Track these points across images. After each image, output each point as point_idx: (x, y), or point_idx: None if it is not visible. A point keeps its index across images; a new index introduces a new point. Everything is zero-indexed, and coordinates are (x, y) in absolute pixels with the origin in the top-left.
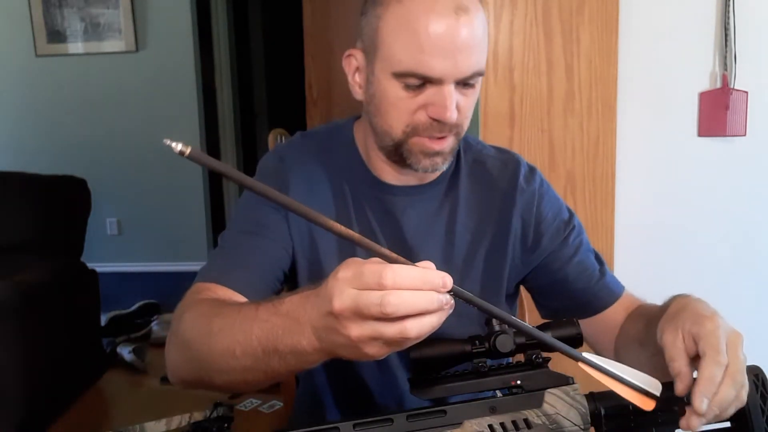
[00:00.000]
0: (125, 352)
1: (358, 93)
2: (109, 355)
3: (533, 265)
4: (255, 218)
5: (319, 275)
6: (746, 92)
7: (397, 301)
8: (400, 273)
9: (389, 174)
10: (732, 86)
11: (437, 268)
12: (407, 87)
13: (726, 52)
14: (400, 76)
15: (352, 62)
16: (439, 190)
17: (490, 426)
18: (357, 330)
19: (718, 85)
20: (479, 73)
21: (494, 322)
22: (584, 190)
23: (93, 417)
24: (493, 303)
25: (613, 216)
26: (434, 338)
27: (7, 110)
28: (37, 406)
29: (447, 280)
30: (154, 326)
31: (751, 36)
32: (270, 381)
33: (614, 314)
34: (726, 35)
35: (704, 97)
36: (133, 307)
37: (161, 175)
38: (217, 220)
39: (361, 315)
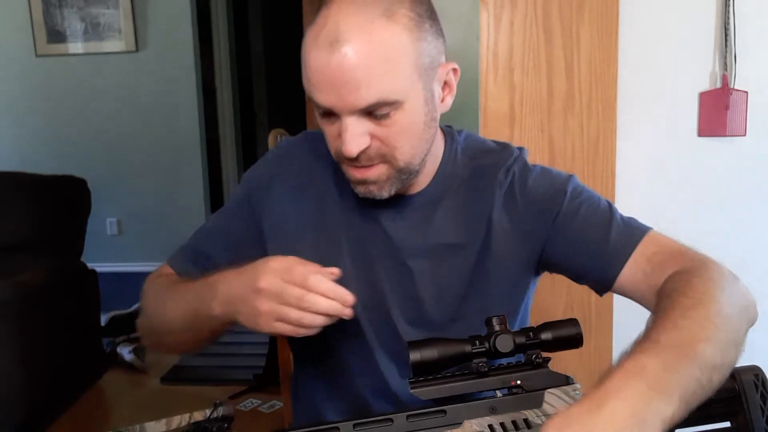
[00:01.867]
0: (125, 352)
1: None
2: (109, 355)
3: (542, 247)
4: (224, 215)
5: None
6: (746, 92)
7: (314, 301)
8: (322, 282)
9: None
10: (732, 86)
11: (423, 279)
12: (321, 115)
13: (726, 52)
14: (313, 104)
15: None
16: (427, 200)
17: (490, 426)
18: (267, 306)
19: (718, 85)
20: (384, 103)
21: (494, 321)
22: None
23: (93, 417)
24: (482, 302)
25: None
26: (434, 338)
27: (7, 110)
28: (37, 406)
29: (350, 298)
30: None
31: (751, 36)
32: (203, 342)
33: (623, 281)
34: (726, 35)
35: (704, 97)
36: (133, 307)
37: (161, 175)
38: None
39: (279, 299)
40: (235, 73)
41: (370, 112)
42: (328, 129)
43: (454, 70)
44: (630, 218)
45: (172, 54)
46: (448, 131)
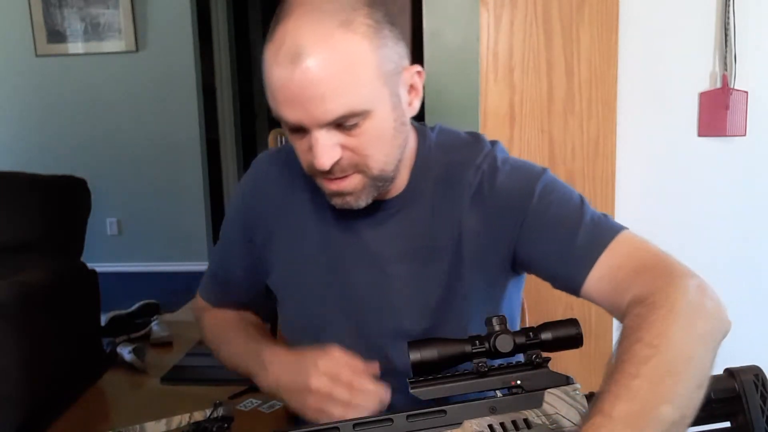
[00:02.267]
0: (125, 352)
1: None
2: (109, 355)
3: (514, 248)
4: (227, 240)
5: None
6: (746, 92)
7: (358, 402)
8: (366, 385)
9: None
10: (732, 86)
11: (402, 286)
12: (290, 131)
13: (726, 52)
14: (281, 121)
15: None
16: (403, 204)
17: (490, 426)
18: (315, 404)
19: (718, 85)
20: (352, 114)
21: (494, 321)
22: (584, 190)
23: (93, 417)
24: (460, 307)
25: (613, 216)
26: (434, 338)
27: (7, 110)
28: (37, 406)
29: (387, 397)
30: (154, 326)
31: (751, 36)
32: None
33: (590, 289)
34: (726, 35)
35: (704, 97)
36: (133, 307)
37: (161, 175)
38: (217, 220)
39: (327, 398)
40: (235, 73)
41: (339, 124)
42: (299, 144)
43: (419, 72)
44: (601, 217)
45: (172, 54)
46: (421, 129)
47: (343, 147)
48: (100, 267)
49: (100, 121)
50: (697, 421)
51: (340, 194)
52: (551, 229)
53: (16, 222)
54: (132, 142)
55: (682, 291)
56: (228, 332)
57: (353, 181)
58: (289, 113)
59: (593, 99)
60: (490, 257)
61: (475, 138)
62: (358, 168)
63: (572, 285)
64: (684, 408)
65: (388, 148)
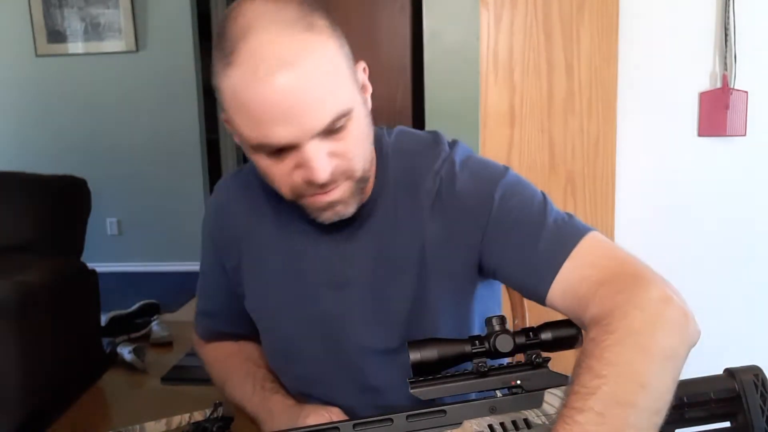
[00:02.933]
0: (125, 352)
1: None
2: (109, 355)
3: (478, 256)
4: (202, 267)
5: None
6: (746, 92)
7: None
8: None
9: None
10: (732, 86)
11: (370, 302)
12: (270, 155)
13: (726, 52)
14: (256, 149)
15: (229, 128)
16: (365, 216)
17: (490, 426)
18: None
19: (718, 85)
20: (341, 115)
21: (494, 321)
22: (584, 190)
23: (93, 417)
24: (430, 319)
25: (613, 216)
26: (434, 338)
27: (7, 110)
28: (37, 406)
29: None
30: (154, 326)
31: (751, 36)
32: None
33: (554, 302)
34: (726, 35)
35: (704, 97)
36: (133, 307)
37: (161, 175)
38: None
39: None
40: None
41: (329, 131)
42: (279, 168)
43: (365, 69)
44: (565, 219)
45: (172, 54)
46: (377, 133)
47: (333, 155)
48: (100, 267)
49: (101, 121)
50: (697, 421)
51: (331, 206)
52: (513, 236)
53: (16, 222)
54: (132, 142)
55: (641, 307)
56: (228, 372)
57: (342, 189)
58: (280, 131)
59: (593, 99)
60: (455, 265)
61: (434, 139)
62: (346, 174)
63: (536, 296)
64: (652, 414)
65: (367, 145)
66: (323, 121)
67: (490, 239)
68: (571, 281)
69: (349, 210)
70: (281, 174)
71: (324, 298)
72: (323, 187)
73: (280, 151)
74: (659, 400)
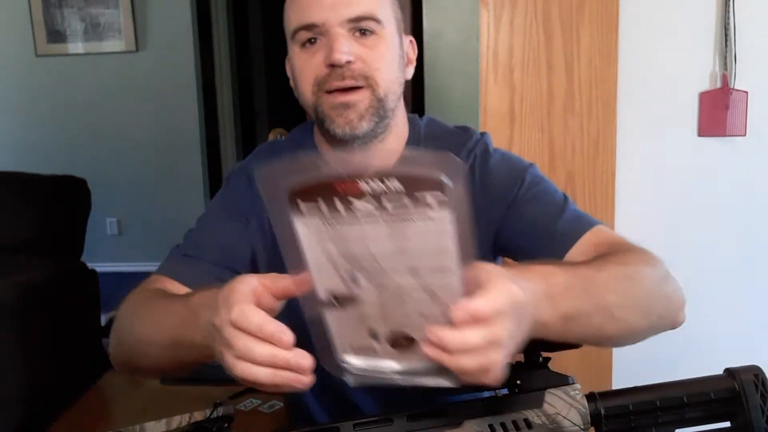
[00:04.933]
0: None
1: (292, 86)
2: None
3: (495, 231)
4: (214, 220)
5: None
6: (746, 92)
7: (244, 346)
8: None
9: None
10: (732, 86)
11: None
12: (302, 46)
13: (726, 52)
14: (293, 36)
15: (287, 64)
16: None
17: (490, 426)
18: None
19: (718, 85)
20: (371, 17)
21: None
22: (584, 190)
23: (93, 417)
24: None
25: (613, 216)
26: None
27: (7, 110)
28: (37, 406)
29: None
30: None
31: (751, 36)
32: (184, 369)
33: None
34: (726, 35)
35: (704, 97)
36: None
37: (161, 175)
38: None
39: (224, 342)
40: (235, 73)
41: (357, 29)
42: (311, 60)
43: (411, 42)
44: (584, 213)
45: (172, 54)
46: (411, 118)
47: (356, 54)
48: (100, 267)
49: (100, 121)
50: (697, 421)
51: (345, 107)
52: (535, 213)
53: (16, 222)
54: (132, 142)
55: (651, 264)
56: (156, 302)
57: (360, 95)
58: (312, 12)
59: (593, 99)
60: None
61: (465, 129)
62: (368, 81)
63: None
64: (625, 312)
65: (393, 71)
66: (352, 10)
67: (511, 213)
68: (588, 249)
69: (362, 124)
70: (310, 67)
71: None
72: (343, 77)
73: (313, 42)
74: (652, 311)
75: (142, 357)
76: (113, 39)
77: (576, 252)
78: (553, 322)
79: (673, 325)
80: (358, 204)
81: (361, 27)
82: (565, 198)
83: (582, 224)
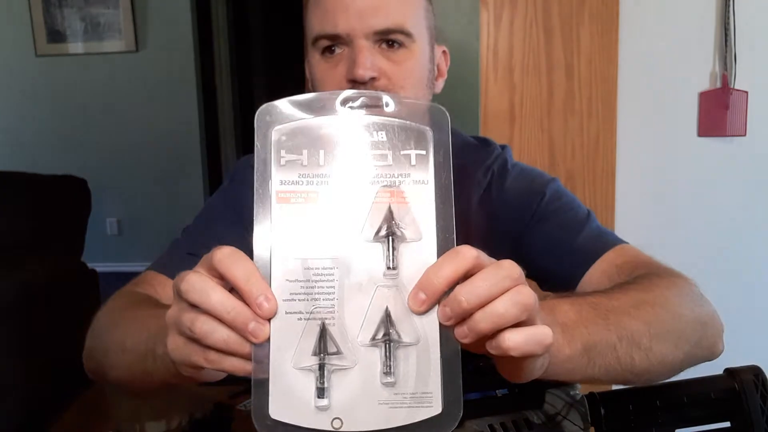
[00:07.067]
0: None
1: (309, 88)
2: None
3: (514, 246)
4: (214, 218)
5: None
6: (746, 92)
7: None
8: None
9: None
10: (732, 86)
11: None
12: (323, 54)
13: (726, 52)
14: (314, 43)
15: (306, 64)
16: None
17: (491, 426)
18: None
19: (718, 85)
20: (399, 30)
21: None
22: (584, 190)
23: (93, 417)
24: None
25: (613, 216)
26: None
27: (7, 110)
28: (37, 406)
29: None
30: None
31: (751, 36)
32: (149, 387)
33: (592, 283)
34: (726, 35)
35: (704, 97)
36: None
37: (161, 175)
38: None
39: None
40: (235, 73)
41: (384, 42)
42: (333, 72)
43: (444, 52)
44: (607, 230)
45: (172, 54)
46: None
47: (381, 69)
48: (100, 267)
49: (100, 121)
50: (697, 421)
51: None
52: (555, 228)
53: (16, 222)
54: (132, 142)
55: (684, 284)
56: (133, 307)
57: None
58: (338, 21)
59: (593, 99)
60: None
61: (485, 142)
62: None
63: (570, 278)
64: (656, 342)
65: (421, 90)
66: (381, 22)
67: (531, 230)
68: (610, 268)
69: None
70: (331, 80)
71: None
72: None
73: (334, 50)
74: (654, 342)
75: (110, 367)
76: (113, 39)
77: (596, 271)
78: (574, 355)
79: (712, 354)
80: None
81: (389, 39)
82: (589, 214)
83: (604, 242)
